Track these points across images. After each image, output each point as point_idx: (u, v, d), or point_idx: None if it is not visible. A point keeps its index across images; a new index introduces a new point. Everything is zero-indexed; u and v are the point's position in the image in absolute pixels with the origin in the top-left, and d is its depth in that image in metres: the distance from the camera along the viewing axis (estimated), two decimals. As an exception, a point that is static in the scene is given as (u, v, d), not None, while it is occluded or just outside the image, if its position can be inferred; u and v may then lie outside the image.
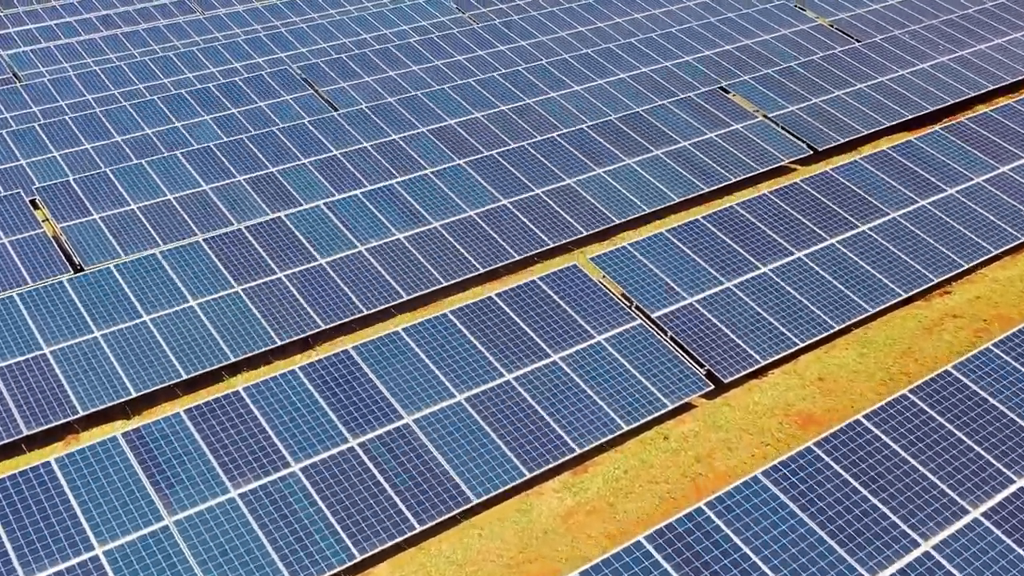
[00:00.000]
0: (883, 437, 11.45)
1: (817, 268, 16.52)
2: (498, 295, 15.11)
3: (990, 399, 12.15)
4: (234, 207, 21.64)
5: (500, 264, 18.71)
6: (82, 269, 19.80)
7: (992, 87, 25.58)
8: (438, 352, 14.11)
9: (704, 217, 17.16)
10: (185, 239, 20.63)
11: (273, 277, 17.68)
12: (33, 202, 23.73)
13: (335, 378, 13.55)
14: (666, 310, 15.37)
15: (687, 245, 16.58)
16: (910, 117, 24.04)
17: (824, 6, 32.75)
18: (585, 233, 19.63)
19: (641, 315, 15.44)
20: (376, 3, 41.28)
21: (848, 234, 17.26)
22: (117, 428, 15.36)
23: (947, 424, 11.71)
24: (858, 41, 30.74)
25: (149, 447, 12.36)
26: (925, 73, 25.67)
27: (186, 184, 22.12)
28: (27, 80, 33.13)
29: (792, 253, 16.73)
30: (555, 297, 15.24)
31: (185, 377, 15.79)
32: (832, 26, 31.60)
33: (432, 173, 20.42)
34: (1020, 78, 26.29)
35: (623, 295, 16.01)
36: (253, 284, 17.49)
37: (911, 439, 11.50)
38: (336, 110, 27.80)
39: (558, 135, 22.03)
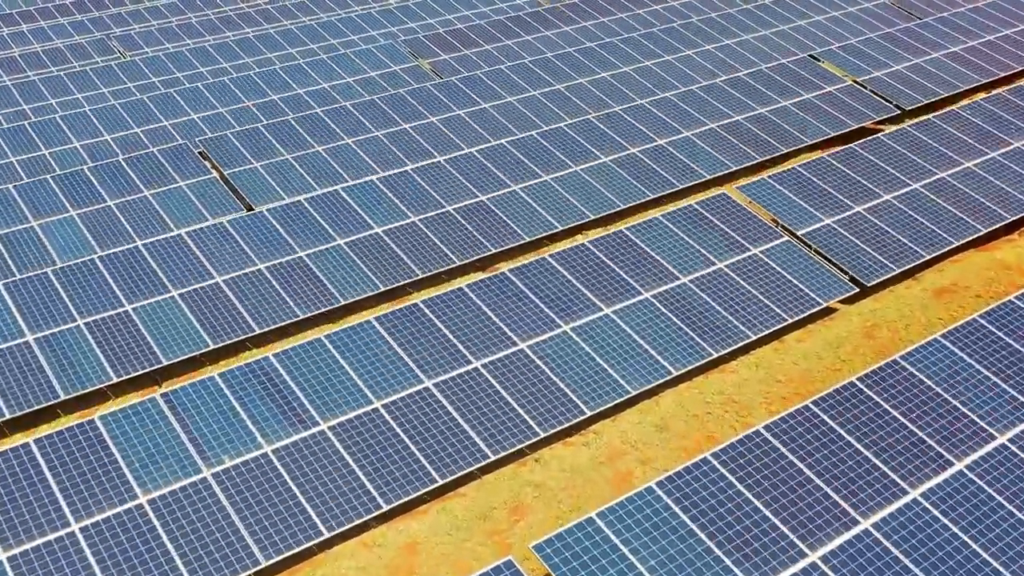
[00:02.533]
0: None
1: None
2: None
3: None
4: (63, 370, 15.53)
5: (421, 492, 12.62)
6: None
7: (1084, 184, 19.57)
8: None
9: (714, 454, 11.04)
10: (-18, 427, 14.52)
11: (64, 531, 11.59)
12: None
13: None
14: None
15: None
16: (984, 232, 17.96)
17: (854, 61, 26.65)
18: (541, 435, 13.52)
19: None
20: (323, 44, 35.12)
21: (935, 481, 11.17)
22: None
23: None
24: (899, 108, 24.67)
25: None
26: (997, 165, 19.59)
27: (4, 333, 16.01)
28: None
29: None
30: (473, 635, 9.16)
31: None
32: (865, 87, 25.53)
33: (327, 338, 14.28)
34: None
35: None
36: (29, 547, 11.39)
37: None
38: (244, 205, 21.70)
39: (511, 269, 15.86)
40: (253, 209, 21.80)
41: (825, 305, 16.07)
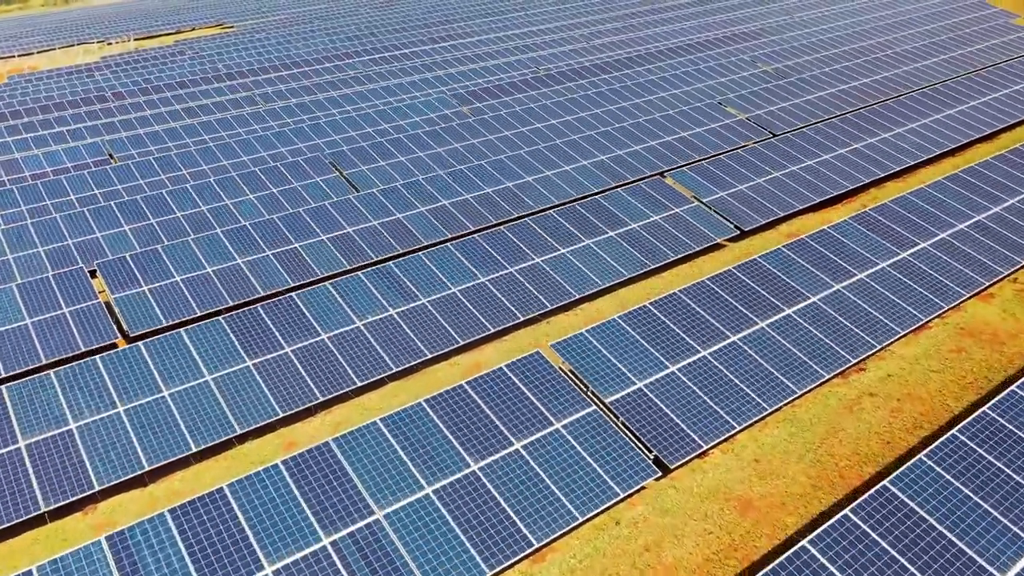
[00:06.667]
0: None
1: None
2: None
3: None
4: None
5: None
6: None
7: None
8: None
9: None
10: None
11: None
12: None
13: None
14: None
15: None
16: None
17: (701, 180, 25.24)
18: None
19: None
20: (235, 160, 32.95)
21: None
22: None
23: None
24: (739, 229, 23.23)
25: None
26: (790, 324, 18.07)
27: None
28: None
29: None
30: None
31: None
32: (710, 208, 24.10)
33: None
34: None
35: None
36: None
37: None
38: None
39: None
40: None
41: (623, 496, 14.25)
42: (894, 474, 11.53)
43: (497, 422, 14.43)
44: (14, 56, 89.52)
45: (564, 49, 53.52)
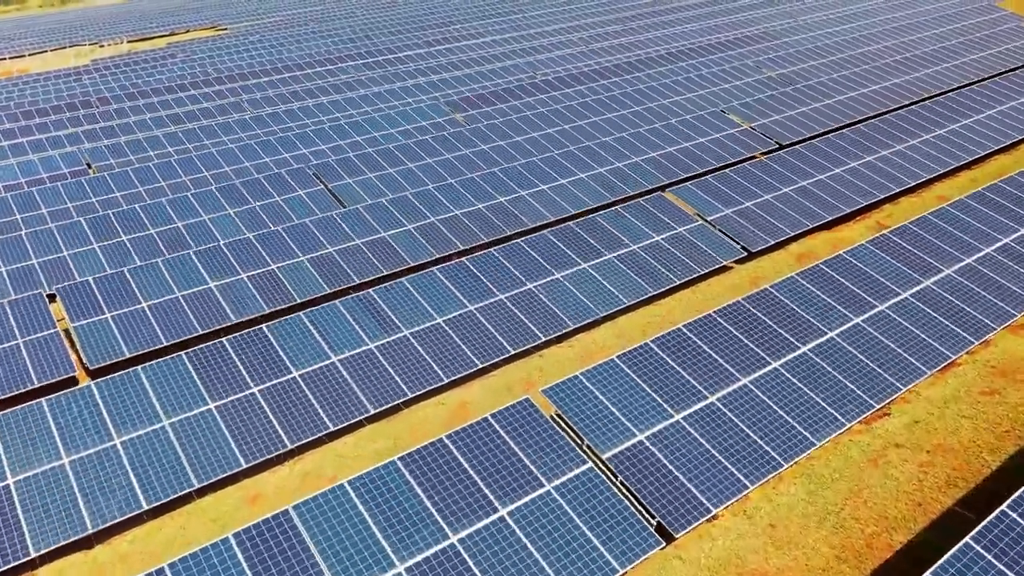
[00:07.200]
0: None
1: None
2: None
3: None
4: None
5: None
6: None
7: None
8: None
9: None
10: None
11: None
12: None
13: None
14: None
15: None
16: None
17: (704, 196, 23.52)
18: None
19: None
20: (216, 172, 31.21)
21: None
22: None
23: None
24: (746, 250, 21.55)
25: None
26: (780, 380, 16.38)
27: None
28: None
29: None
30: None
31: None
32: (713, 226, 22.39)
33: None
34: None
35: None
36: None
37: None
38: None
39: None
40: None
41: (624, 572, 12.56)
42: (938, 564, 9.85)
43: (481, 484, 12.74)
44: (5, 59, 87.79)
45: (563, 53, 51.81)
